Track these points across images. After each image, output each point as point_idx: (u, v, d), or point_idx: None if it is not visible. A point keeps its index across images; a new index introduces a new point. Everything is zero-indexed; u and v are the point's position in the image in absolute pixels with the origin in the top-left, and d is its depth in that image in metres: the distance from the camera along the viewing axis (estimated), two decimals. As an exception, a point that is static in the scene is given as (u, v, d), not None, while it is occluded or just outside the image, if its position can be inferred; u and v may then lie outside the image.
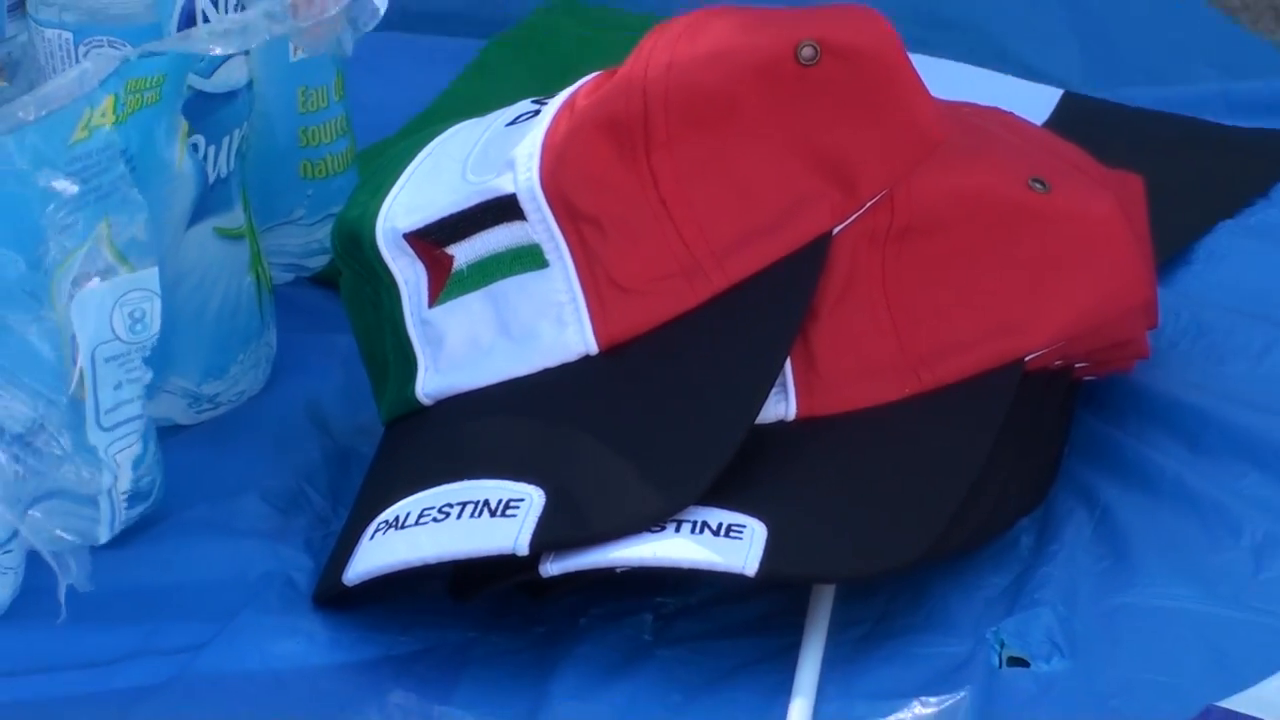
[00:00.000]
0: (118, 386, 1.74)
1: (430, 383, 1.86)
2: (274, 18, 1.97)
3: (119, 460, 1.75)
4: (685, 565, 1.65)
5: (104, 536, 1.76)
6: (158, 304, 1.78)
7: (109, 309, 1.76)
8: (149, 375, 1.80)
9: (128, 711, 1.66)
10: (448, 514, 1.72)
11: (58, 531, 1.74)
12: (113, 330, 1.75)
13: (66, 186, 1.74)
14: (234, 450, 1.92)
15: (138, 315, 1.75)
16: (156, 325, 1.77)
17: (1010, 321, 1.84)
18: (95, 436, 1.75)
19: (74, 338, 1.76)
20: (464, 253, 1.86)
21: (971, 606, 1.72)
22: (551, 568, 1.66)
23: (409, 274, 1.87)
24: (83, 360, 1.77)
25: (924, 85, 1.94)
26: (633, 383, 1.82)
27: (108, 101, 1.80)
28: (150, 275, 1.79)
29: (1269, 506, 1.82)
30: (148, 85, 1.85)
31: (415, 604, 1.76)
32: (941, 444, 1.80)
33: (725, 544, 1.65)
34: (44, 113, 1.79)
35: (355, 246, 1.90)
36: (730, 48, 1.91)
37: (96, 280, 1.77)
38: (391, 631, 1.74)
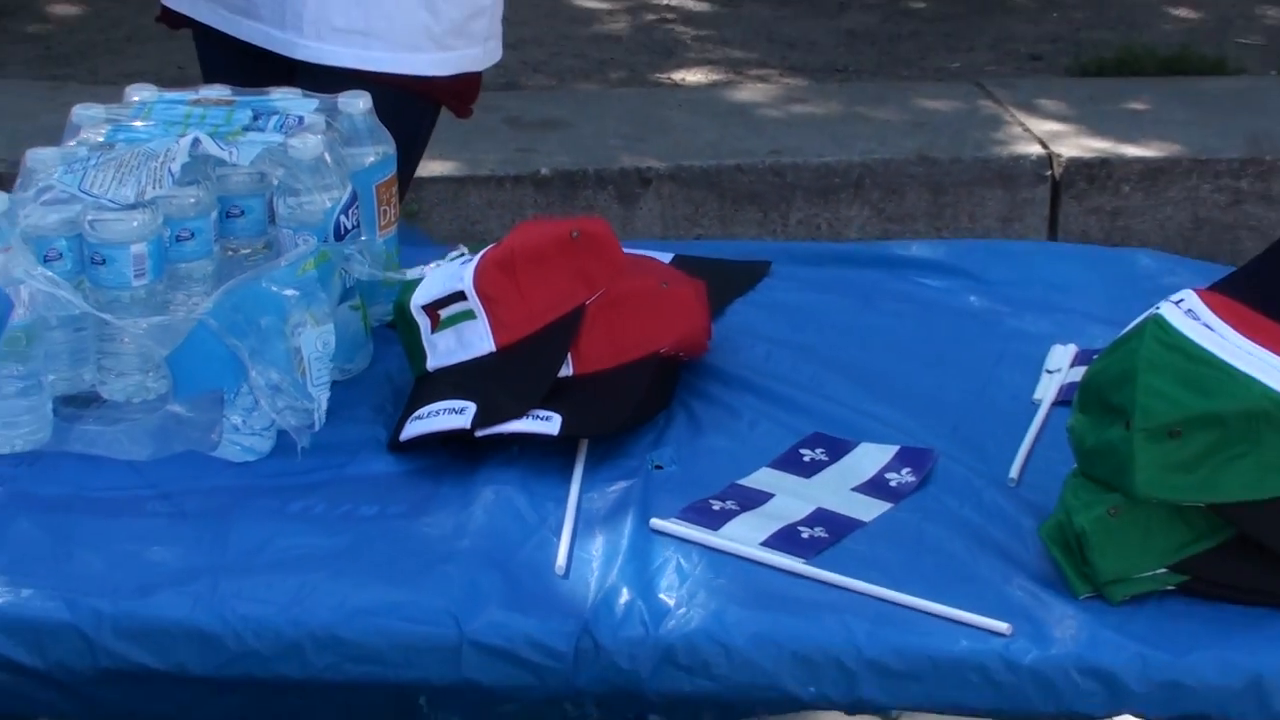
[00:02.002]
0: (319, 372, 1.84)
1: (432, 363, 1.98)
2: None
3: (320, 399, 1.83)
4: (528, 431, 1.85)
5: (318, 426, 1.84)
6: (333, 337, 1.85)
7: (315, 339, 1.83)
8: (331, 365, 1.88)
9: (313, 490, 1.80)
10: (438, 413, 1.89)
11: (293, 421, 1.84)
12: (316, 348, 1.83)
13: (293, 294, 1.83)
14: (354, 390, 1.99)
15: (325, 341, 1.84)
16: (333, 346, 1.85)
17: (655, 338, 1.98)
18: (311, 390, 1.83)
19: (295, 349, 1.83)
20: (445, 312, 1.96)
21: (639, 447, 1.90)
22: (479, 434, 1.85)
23: (423, 321, 1.97)
24: (305, 360, 1.84)
25: (621, 248, 2.07)
26: (509, 362, 1.95)
27: (311, 260, 1.88)
28: (330, 327, 1.85)
29: (754, 407, 1.98)
30: (328, 255, 1.90)
31: (425, 449, 1.88)
32: (631, 383, 1.95)
33: (544, 423, 1.85)
34: (288, 264, 1.88)
35: (402, 311, 2.01)
36: (542, 234, 2.04)
37: (310, 326, 1.84)
38: (415, 456, 1.87)
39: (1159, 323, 1.67)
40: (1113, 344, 1.72)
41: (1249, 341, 1.67)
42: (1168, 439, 1.60)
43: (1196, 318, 1.68)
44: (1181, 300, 1.70)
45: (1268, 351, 1.66)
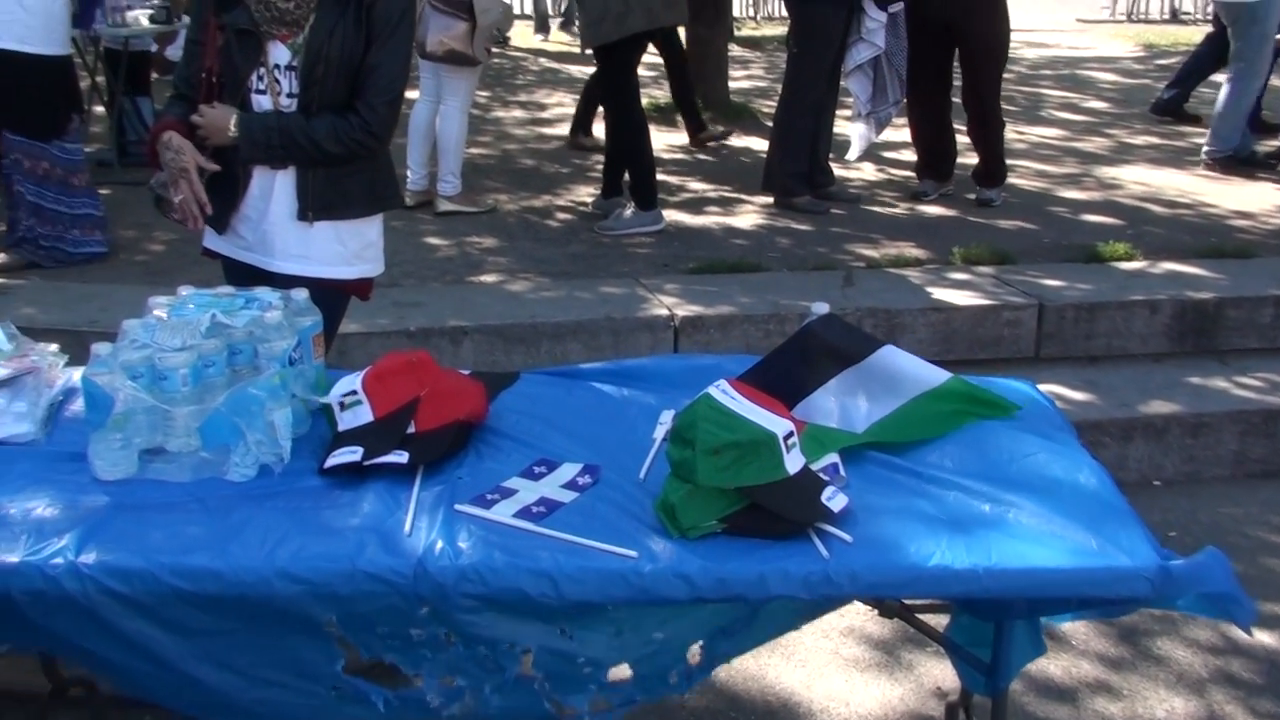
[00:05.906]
0: (284, 433, 1.79)
1: (341, 428, 1.87)
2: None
3: (285, 447, 1.79)
4: (390, 461, 1.79)
5: (286, 459, 1.79)
6: (290, 415, 1.82)
7: (280, 416, 1.80)
8: (290, 430, 1.79)
9: (278, 495, 1.73)
10: (343, 453, 1.82)
11: (270, 460, 1.79)
12: (281, 421, 1.80)
13: (265, 393, 1.81)
14: (301, 443, 1.87)
15: (285, 417, 1.80)
16: (290, 419, 1.81)
17: (457, 412, 1.92)
18: (281, 442, 1.80)
19: (270, 422, 1.80)
20: (347, 401, 1.89)
21: (449, 468, 1.83)
22: (365, 464, 1.79)
23: (336, 407, 1.89)
24: (276, 427, 1.79)
25: (439, 366, 2.00)
26: (380, 426, 1.87)
27: (276, 376, 1.83)
28: (288, 410, 1.81)
29: (509, 446, 1.92)
30: (284, 375, 1.85)
31: (337, 473, 1.78)
32: (444, 436, 1.87)
33: (399, 457, 1.81)
34: (264, 378, 1.83)
35: (325, 403, 1.88)
36: (396, 360, 1.97)
37: (277, 409, 1.80)
38: (332, 477, 1.79)
39: (707, 396, 1.73)
40: (685, 408, 1.75)
41: (754, 405, 1.72)
42: (714, 455, 1.65)
43: (727, 393, 1.73)
44: (719, 384, 1.75)
45: (764, 410, 1.71)
